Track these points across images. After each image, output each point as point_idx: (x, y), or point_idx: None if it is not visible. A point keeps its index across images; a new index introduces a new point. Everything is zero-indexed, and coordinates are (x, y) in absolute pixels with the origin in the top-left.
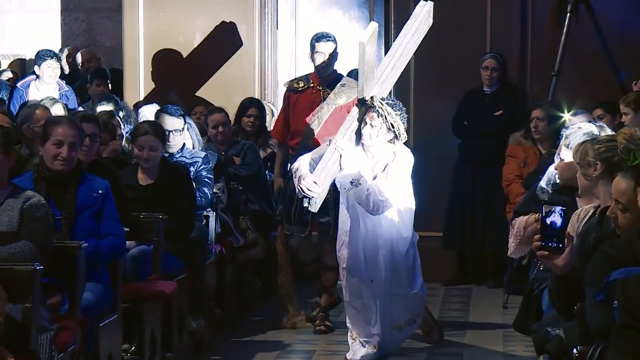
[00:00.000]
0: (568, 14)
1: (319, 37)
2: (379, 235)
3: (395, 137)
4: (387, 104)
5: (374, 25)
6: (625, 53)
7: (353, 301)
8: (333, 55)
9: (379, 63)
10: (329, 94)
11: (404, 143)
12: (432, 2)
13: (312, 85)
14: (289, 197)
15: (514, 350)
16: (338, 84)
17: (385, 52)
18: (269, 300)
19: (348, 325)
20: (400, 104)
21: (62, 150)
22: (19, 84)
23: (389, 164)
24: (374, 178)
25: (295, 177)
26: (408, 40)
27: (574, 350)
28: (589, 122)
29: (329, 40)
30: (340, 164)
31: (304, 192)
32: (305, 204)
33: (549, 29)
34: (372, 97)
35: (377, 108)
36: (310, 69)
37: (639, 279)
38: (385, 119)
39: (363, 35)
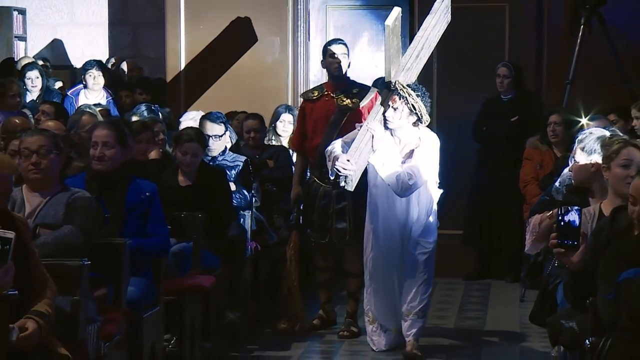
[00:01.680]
0: (582, 26)
1: (331, 42)
2: (402, 216)
3: (419, 119)
4: (409, 86)
5: (397, 10)
6: (636, 62)
7: (375, 281)
8: (345, 58)
9: (404, 51)
10: (342, 101)
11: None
12: None
13: (325, 92)
14: (309, 204)
15: (531, 342)
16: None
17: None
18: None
19: (366, 307)
20: (423, 88)
21: (98, 151)
22: (69, 92)
23: (415, 150)
24: (403, 163)
25: (329, 160)
26: (429, 33)
27: (587, 342)
28: (603, 127)
29: (340, 43)
30: (372, 146)
31: (339, 171)
32: (342, 183)
33: (564, 40)
34: (395, 82)
35: (398, 90)
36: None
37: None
38: (407, 100)
39: (388, 18)
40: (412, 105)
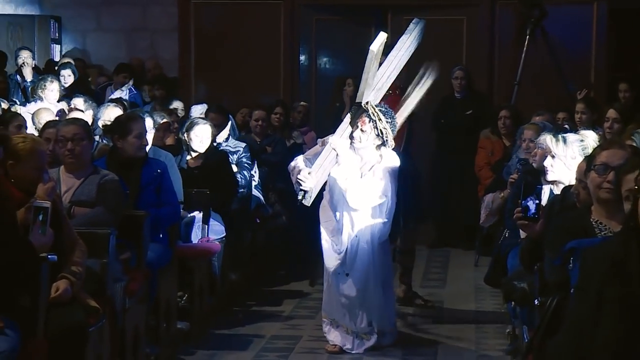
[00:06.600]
0: (527, 36)
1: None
2: (359, 232)
3: (383, 143)
4: (380, 110)
5: (383, 36)
6: (573, 68)
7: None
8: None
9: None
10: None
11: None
12: (424, 22)
13: (389, 92)
14: None
15: (483, 300)
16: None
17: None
18: (293, 259)
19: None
20: (392, 112)
21: (143, 140)
22: (98, 88)
23: (375, 165)
24: (362, 177)
25: (292, 175)
26: (402, 53)
27: (536, 301)
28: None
29: None
30: (337, 160)
31: (300, 185)
32: (300, 197)
33: (512, 48)
34: (366, 102)
35: (369, 113)
36: None
37: (596, 250)
38: (376, 124)
39: (374, 43)
40: (381, 129)
